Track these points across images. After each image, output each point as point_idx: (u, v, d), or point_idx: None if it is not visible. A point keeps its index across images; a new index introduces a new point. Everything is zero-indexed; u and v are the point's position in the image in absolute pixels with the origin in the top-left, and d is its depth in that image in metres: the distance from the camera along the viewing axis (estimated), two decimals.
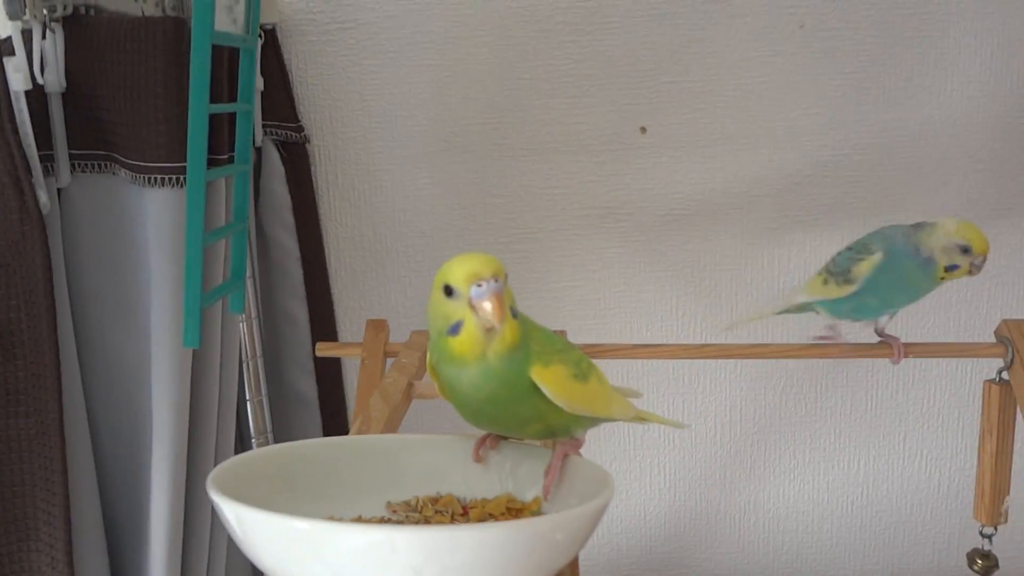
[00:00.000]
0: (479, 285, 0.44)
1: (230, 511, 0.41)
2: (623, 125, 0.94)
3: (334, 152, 0.97)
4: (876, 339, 0.77)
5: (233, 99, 0.74)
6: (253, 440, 0.94)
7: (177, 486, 0.78)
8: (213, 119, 0.72)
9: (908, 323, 0.96)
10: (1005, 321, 0.78)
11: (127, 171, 0.75)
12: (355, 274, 0.99)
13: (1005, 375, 0.77)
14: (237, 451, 0.91)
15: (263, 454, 0.50)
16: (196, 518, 0.82)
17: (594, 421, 0.51)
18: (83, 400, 0.78)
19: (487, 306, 0.44)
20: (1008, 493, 0.79)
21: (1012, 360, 0.76)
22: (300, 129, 0.94)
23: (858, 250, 0.72)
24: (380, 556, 0.38)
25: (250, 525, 0.40)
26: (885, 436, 0.99)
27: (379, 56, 0.94)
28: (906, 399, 0.98)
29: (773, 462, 1.01)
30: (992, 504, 0.79)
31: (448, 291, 0.45)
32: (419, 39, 0.93)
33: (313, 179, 0.96)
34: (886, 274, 0.71)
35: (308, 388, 0.98)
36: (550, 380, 0.46)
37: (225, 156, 0.78)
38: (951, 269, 0.70)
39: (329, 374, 0.99)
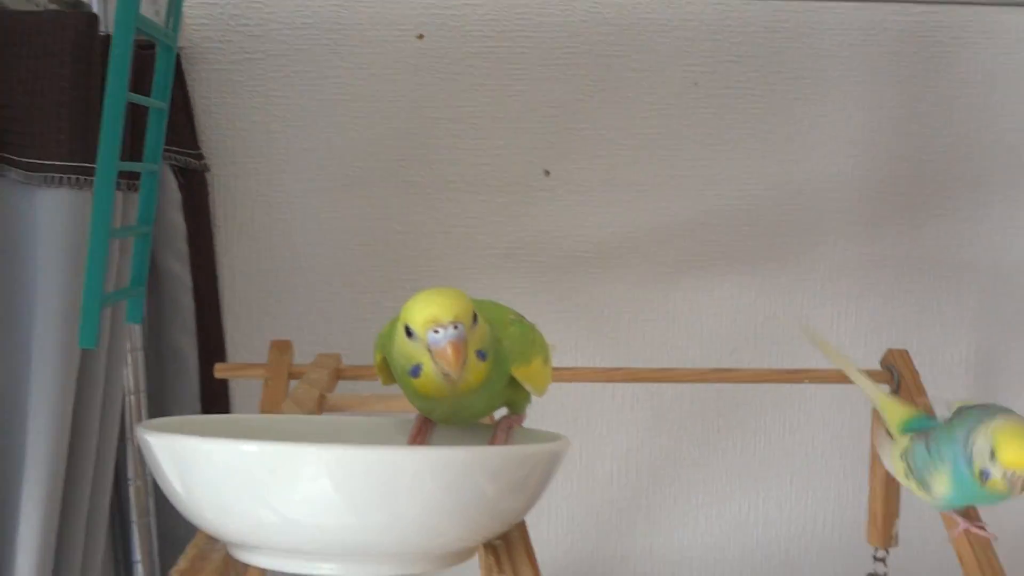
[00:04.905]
0: (435, 331, 0.42)
1: (163, 446, 0.38)
2: (527, 168, 0.96)
3: (234, 182, 0.94)
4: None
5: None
6: (130, 482, 0.87)
7: (49, 519, 0.71)
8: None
9: (801, 358, 0.99)
10: (890, 350, 0.82)
11: (19, 170, 0.70)
12: (249, 308, 0.95)
13: None
14: (113, 492, 0.84)
15: (198, 419, 0.47)
16: (69, 558, 0.74)
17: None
18: None
19: (445, 354, 0.42)
20: (898, 516, 0.82)
21: (898, 386, 0.80)
22: (200, 156, 0.91)
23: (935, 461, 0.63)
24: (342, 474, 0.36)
25: (186, 458, 0.37)
26: (774, 477, 1.02)
27: (286, 89, 0.93)
28: (793, 440, 1.02)
29: (668, 506, 1.01)
30: (884, 528, 0.82)
31: (408, 332, 0.43)
32: (328, 73, 0.93)
33: (210, 208, 0.93)
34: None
35: None
36: (534, 377, 0.46)
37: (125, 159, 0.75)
38: (985, 476, 0.58)
39: (217, 412, 0.93)
